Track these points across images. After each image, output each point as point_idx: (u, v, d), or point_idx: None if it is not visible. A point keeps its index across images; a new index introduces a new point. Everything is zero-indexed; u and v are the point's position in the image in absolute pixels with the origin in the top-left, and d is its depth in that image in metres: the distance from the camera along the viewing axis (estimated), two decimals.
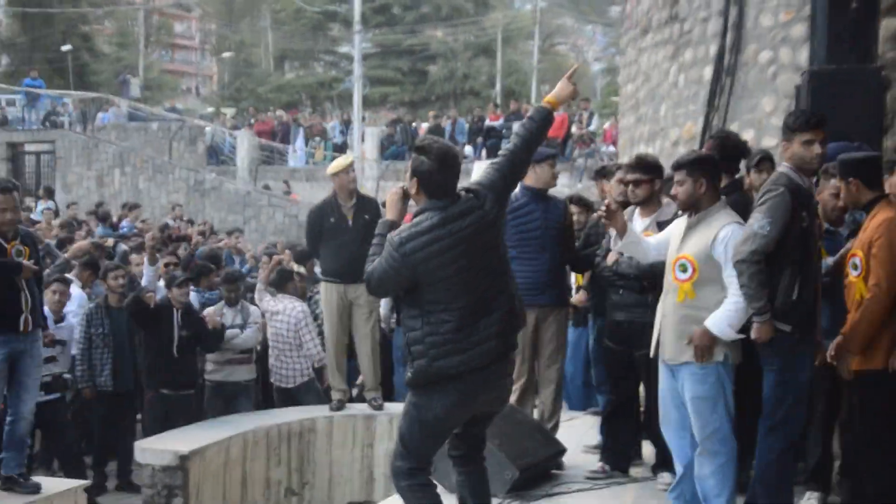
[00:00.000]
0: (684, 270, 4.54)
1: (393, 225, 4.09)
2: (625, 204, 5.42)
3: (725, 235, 4.45)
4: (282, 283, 8.48)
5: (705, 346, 4.43)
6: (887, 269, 4.51)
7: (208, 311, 7.95)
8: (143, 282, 8.43)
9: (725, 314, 4.41)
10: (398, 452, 4.09)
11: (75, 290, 8.18)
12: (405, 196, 4.15)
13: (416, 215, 4.02)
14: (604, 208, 4.85)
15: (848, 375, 4.68)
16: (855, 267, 4.75)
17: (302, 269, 9.71)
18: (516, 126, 4.32)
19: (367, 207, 7.40)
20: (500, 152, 4.26)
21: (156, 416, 7.69)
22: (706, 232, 4.52)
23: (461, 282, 3.94)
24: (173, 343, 7.62)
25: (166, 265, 8.70)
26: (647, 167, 5.38)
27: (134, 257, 9.65)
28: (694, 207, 4.61)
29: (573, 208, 6.73)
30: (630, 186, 5.39)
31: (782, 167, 4.55)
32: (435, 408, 3.98)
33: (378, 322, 7.65)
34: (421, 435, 4.02)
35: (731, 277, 4.42)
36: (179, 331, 7.66)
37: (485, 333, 3.97)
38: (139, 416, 8.33)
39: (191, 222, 17.02)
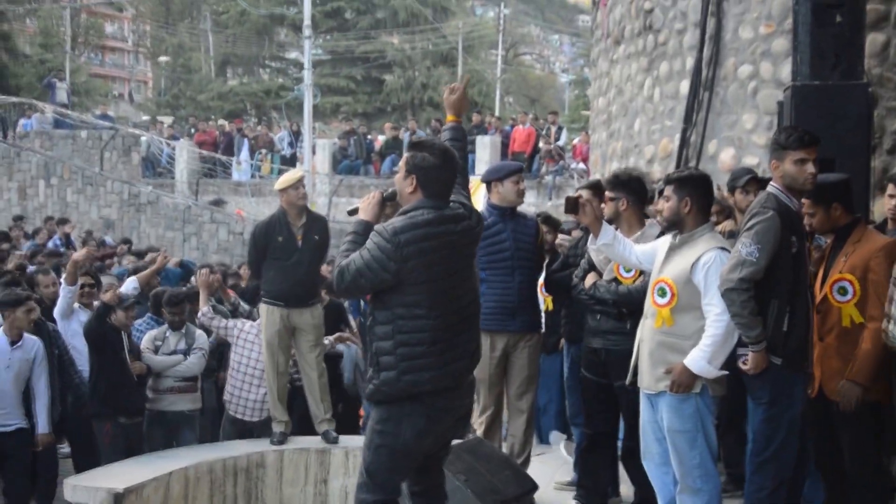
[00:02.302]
0: (663, 295, 4.60)
1: (368, 226, 4.14)
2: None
3: (707, 261, 4.51)
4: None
5: (684, 383, 4.50)
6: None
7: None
8: (58, 309, 8.29)
9: (703, 351, 4.46)
10: (363, 485, 4.12)
11: None
12: (384, 201, 4.24)
13: (404, 213, 4.08)
14: (566, 198, 4.94)
15: (848, 407, 4.78)
16: (843, 292, 4.87)
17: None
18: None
19: (317, 227, 7.42)
20: None
21: (117, 448, 7.58)
22: (688, 255, 4.58)
23: (445, 289, 4.03)
24: (124, 366, 7.59)
25: (83, 286, 8.55)
26: (615, 184, 5.43)
27: (42, 278, 9.40)
28: (678, 227, 4.69)
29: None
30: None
31: (770, 188, 4.62)
32: (404, 433, 4.03)
33: (324, 349, 7.65)
34: (388, 464, 4.06)
35: (709, 306, 4.47)
36: (128, 354, 7.64)
37: (459, 351, 4.07)
38: (65, 449, 8.23)
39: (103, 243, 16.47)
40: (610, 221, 5.23)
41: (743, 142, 9.09)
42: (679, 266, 4.60)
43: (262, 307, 7.45)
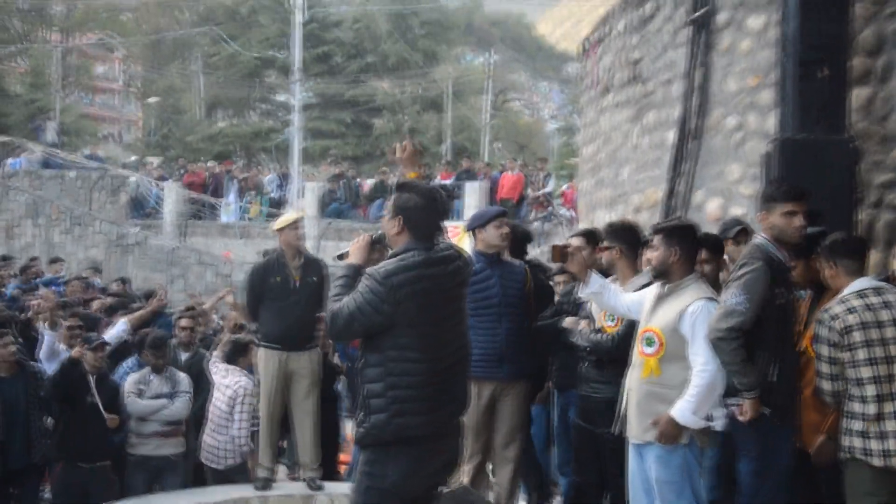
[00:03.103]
0: (650, 344, 4.63)
1: (358, 270, 4.17)
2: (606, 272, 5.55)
3: (694, 311, 4.54)
4: (234, 355, 8.42)
5: (670, 434, 4.52)
6: None
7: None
8: (43, 351, 8.27)
9: (687, 402, 4.47)
10: None
11: None
12: (373, 244, 4.30)
13: (394, 256, 4.12)
14: (552, 246, 4.97)
15: (821, 461, 4.79)
16: None
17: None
18: None
19: (314, 269, 7.42)
20: None
21: (71, 491, 7.53)
22: (675, 305, 4.62)
23: (436, 332, 4.07)
24: (88, 410, 7.51)
25: (69, 328, 8.52)
26: (609, 233, 5.52)
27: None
28: (665, 276, 4.74)
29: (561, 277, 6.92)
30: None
31: (758, 239, 4.68)
32: (391, 475, 4.05)
33: (319, 396, 7.62)
34: None
35: (695, 356, 4.50)
36: (95, 398, 7.56)
37: (450, 395, 4.12)
38: (46, 494, 8.14)
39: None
40: (606, 271, 5.28)
41: (730, 192, 9.14)
42: (667, 316, 4.63)
43: (260, 352, 7.42)
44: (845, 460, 4.66)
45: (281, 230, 7.33)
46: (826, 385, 4.64)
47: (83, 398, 7.56)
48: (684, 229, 4.84)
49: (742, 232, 6.05)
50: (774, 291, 4.54)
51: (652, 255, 4.83)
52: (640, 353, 4.71)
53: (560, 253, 4.93)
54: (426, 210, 4.16)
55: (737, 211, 8.88)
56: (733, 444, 4.94)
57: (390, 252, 4.20)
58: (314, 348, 7.49)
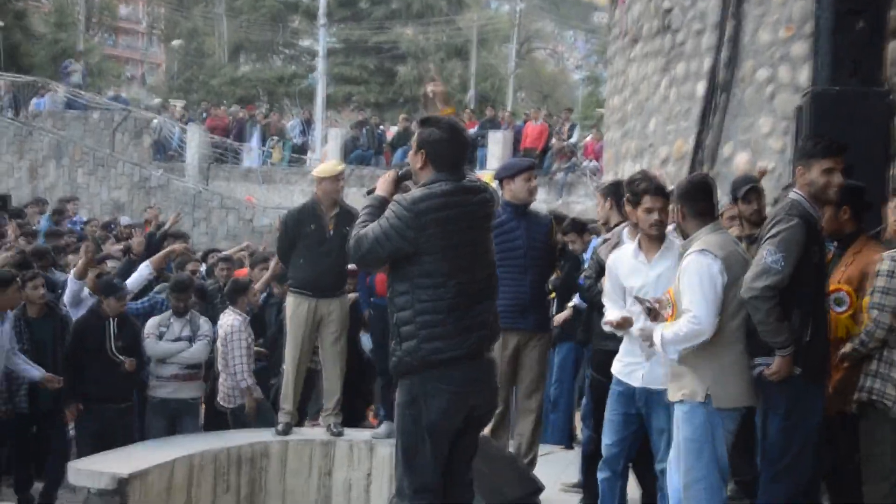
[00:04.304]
0: (668, 306, 4.61)
1: (384, 201, 4.23)
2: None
3: (686, 264, 4.50)
4: (235, 295, 8.44)
5: (644, 335, 4.63)
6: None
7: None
8: (66, 297, 8.30)
9: (669, 333, 4.46)
10: (401, 472, 4.20)
11: None
12: (399, 180, 4.33)
13: (421, 187, 4.15)
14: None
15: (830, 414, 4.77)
16: (840, 303, 4.86)
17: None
18: None
19: (348, 220, 7.34)
20: None
21: (88, 432, 7.61)
22: (680, 263, 4.60)
23: (462, 259, 4.10)
24: (107, 354, 7.59)
25: (97, 276, 8.53)
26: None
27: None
28: (683, 235, 4.72)
29: (571, 236, 6.87)
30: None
31: (794, 195, 4.56)
32: (430, 411, 4.09)
33: (346, 342, 7.62)
34: (421, 445, 4.12)
35: (687, 310, 4.43)
36: (115, 341, 7.63)
37: (478, 320, 4.13)
38: (72, 433, 8.22)
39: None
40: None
41: (758, 146, 9.03)
42: (676, 276, 4.61)
43: (290, 297, 7.42)
44: (864, 405, 4.71)
45: (321, 180, 7.27)
46: (880, 333, 4.66)
47: (103, 344, 7.62)
48: (688, 186, 4.74)
49: (752, 191, 5.93)
50: (810, 249, 4.45)
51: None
52: (665, 316, 4.66)
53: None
54: (449, 142, 4.19)
55: (765, 164, 8.77)
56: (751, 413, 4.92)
57: (419, 185, 4.22)
58: (343, 295, 7.49)
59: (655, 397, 4.87)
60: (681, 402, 4.55)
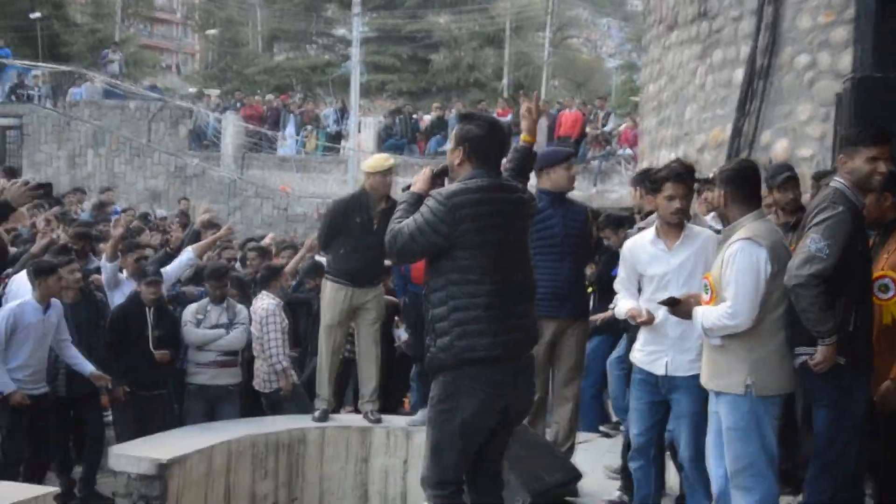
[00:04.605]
0: (707, 292, 4.56)
1: (420, 197, 4.24)
2: None
3: (731, 253, 4.41)
4: (267, 280, 8.49)
5: (683, 312, 4.54)
6: None
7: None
8: (104, 281, 8.37)
9: (711, 316, 4.40)
10: (428, 463, 4.19)
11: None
12: (435, 175, 4.34)
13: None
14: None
15: (888, 409, 4.69)
16: (885, 289, 4.77)
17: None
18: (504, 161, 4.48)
19: None
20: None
21: (128, 418, 7.74)
22: (724, 249, 4.52)
23: (498, 257, 4.08)
24: (147, 342, 7.72)
25: (136, 260, 8.59)
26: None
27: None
28: (725, 220, 4.65)
29: (607, 231, 6.85)
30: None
31: (837, 183, 4.49)
32: (463, 410, 4.06)
33: (380, 330, 7.64)
34: (451, 442, 4.10)
35: (726, 300, 4.38)
36: (153, 330, 7.74)
37: (514, 323, 4.10)
38: (110, 418, 8.32)
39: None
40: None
41: (797, 133, 8.95)
42: (718, 261, 4.54)
43: (328, 284, 7.42)
44: None
45: (372, 174, 7.20)
46: None
47: (143, 332, 7.73)
48: (733, 171, 4.65)
49: (789, 179, 5.84)
50: (854, 238, 4.39)
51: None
52: (702, 301, 4.62)
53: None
54: (488, 140, 4.18)
55: (805, 152, 8.72)
56: (792, 403, 4.87)
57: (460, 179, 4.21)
58: (380, 285, 7.52)
59: (680, 383, 4.83)
60: (721, 393, 4.51)
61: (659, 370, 4.93)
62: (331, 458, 7.51)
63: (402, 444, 7.40)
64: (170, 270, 8.56)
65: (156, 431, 7.40)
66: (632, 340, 5.41)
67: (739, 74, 9.64)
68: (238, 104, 27.18)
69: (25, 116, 25.33)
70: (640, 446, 5.08)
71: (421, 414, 7.21)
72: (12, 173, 18.72)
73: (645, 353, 5.02)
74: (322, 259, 10.08)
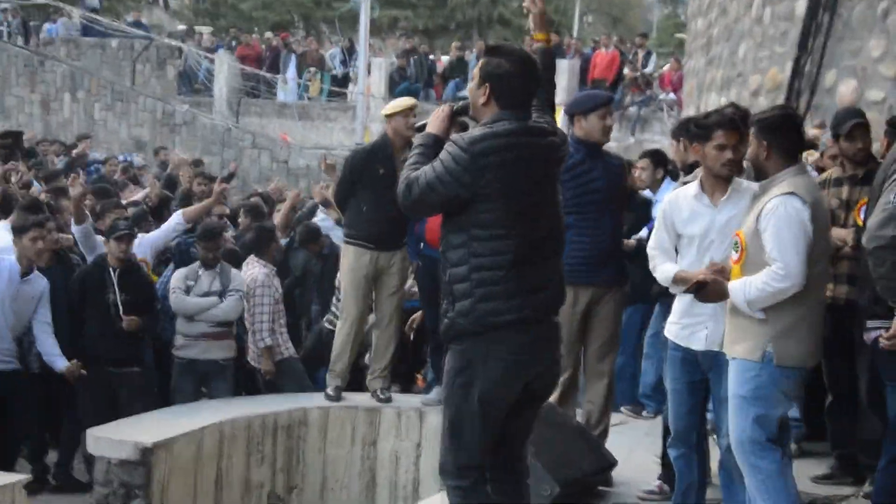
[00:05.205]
0: (735, 249, 4.50)
1: (438, 140, 4.14)
2: None
3: (771, 208, 4.33)
4: (259, 244, 8.43)
5: (714, 292, 4.45)
6: None
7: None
8: (80, 241, 8.27)
9: (752, 290, 4.30)
10: (446, 447, 4.15)
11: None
12: (454, 114, 4.23)
13: (482, 125, 4.06)
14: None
15: None
16: None
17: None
18: None
19: None
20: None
21: (96, 397, 7.61)
22: (759, 204, 4.43)
23: (526, 208, 4.01)
24: (108, 309, 7.57)
25: (115, 219, 8.50)
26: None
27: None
28: (762, 174, 4.55)
29: (643, 162, 6.80)
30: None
31: None
32: (483, 380, 4.01)
33: (403, 299, 7.59)
34: (470, 419, 4.05)
35: (773, 261, 4.29)
36: (119, 295, 7.59)
37: (542, 280, 4.05)
38: None
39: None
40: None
41: (867, 72, 8.81)
42: (750, 217, 4.46)
43: (349, 248, 7.39)
44: None
45: (391, 116, 7.21)
46: None
47: (102, 297, 7.59)
48: (777, 119, 4.54)
49: (857, 126, 5.71)
50: None
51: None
52: (730, 260, 4.55)
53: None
54: (518, 77, 4.05)
55: (875, 94, 8.60)
56: (854, 380, 4.76)
57: (480, 123, 4.11)
58: (404, 247, 7.43)
59: (722, 360, 4.71)
60: (735, 358, 4.46)
61: (697, 345, 4.84)
62: (334, 441, 7.52)
63: (415, 426, 7.41)
64: (155, 237, 8.50)
65: (126, 415, 7.31)
66: (666, 312, 5.32)
67: (802, 6, 9.49)
68: (232, 43, 27.12)
69: None
70: (680, 432, 5.01)
71: (436, 392, 7.16)
72: None
73: (681, 327, 4.92)
74: (320, 221, 10.08)
